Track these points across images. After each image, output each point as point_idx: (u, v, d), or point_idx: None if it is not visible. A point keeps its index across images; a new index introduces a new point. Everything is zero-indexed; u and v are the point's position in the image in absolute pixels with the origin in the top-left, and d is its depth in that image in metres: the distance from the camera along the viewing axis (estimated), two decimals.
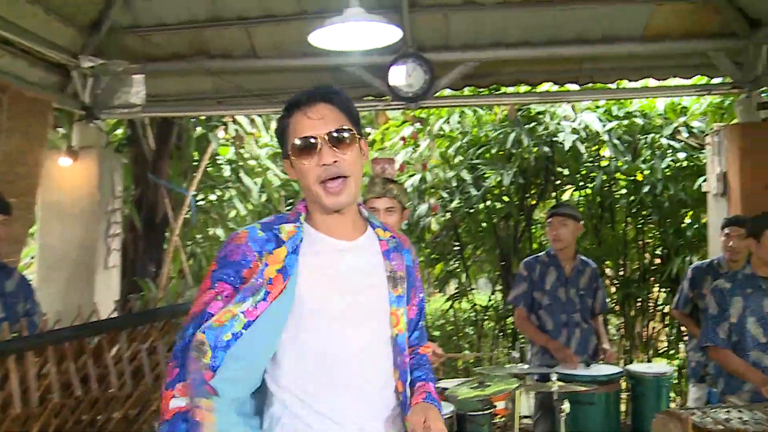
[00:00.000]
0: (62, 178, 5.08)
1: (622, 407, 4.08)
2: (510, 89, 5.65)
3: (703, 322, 3.48)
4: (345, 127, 1.65)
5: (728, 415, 2.69)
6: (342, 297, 1.63)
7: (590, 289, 4.11)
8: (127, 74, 5.13)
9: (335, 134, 1.63)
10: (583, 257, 4.20)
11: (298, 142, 1.64)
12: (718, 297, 3.37)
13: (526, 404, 3.99)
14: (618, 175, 6.61)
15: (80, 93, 5.08)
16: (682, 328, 6.08)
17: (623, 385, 4.01)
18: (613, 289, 7.08)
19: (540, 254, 4.22)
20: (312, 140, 1.62)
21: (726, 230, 4.24)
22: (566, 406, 3.05)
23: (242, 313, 1.52)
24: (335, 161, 1.62)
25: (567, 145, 5.95)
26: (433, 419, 1.60)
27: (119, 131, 6.75)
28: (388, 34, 4.10)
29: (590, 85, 5.46)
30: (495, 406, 3.18)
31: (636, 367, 3.92)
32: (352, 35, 3.67)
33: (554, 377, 3.18)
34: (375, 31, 4.03)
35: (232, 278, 1.57)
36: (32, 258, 6.19)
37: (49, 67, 4.91)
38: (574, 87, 5.41)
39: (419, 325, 1.84)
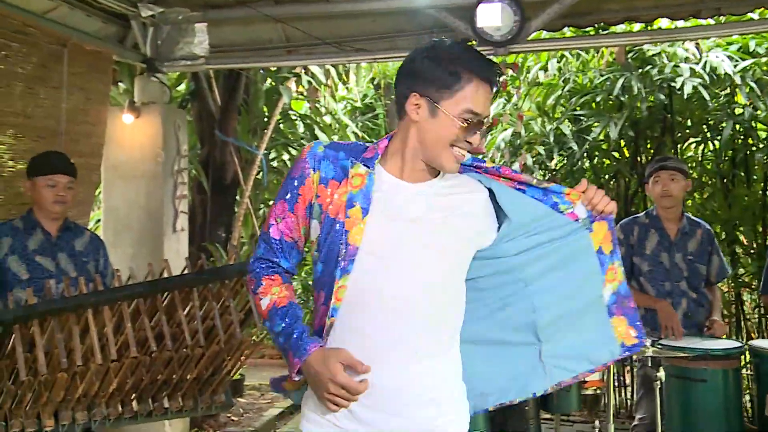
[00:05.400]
0: (125, 137, 5.28)
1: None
2: (619, 28, 5.44)
3: None
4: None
5: None
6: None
7: (702, 253, 3.97)
8: (189, 23, 5.24)
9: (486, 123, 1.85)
10: (694, 218, 4.07)
11: (473, 115, 1.78)
12: None
13: None
14: (756, 124, 6.29)
15: (141, 44, 5.24)
16: None
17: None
18: (748, 260, 6.77)
19: (639, 215, 4.12)
20: (484, 121, 1.82)
21: None
22: (662, 374, 2.99)
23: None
24: (477, 146, 1.83)
25: (687, 91, 5.70)
26: None
27: (182, 86, 6.98)
28: None
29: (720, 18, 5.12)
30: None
31: (760, 342, 3.77)
32: None
33: (648, 342, 3.04)
34: None
35: (288, 195, 1.83)
36: (98, 222, 6.52)
37: (107, 18, 5.08)
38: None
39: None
